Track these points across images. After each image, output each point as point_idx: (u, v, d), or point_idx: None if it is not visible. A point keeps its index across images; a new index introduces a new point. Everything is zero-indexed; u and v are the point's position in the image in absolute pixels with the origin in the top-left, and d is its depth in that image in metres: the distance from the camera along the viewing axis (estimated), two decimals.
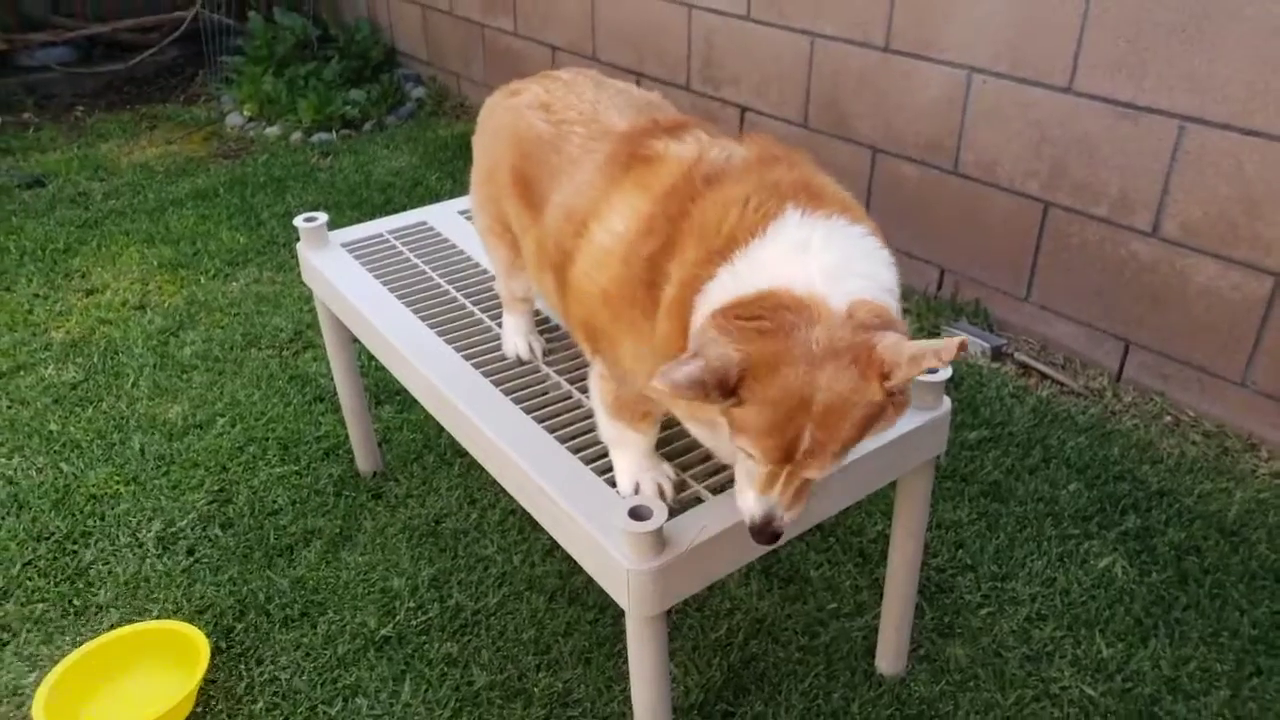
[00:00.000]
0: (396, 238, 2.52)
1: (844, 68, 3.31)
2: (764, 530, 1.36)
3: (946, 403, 1.85)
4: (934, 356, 1.19)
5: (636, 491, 1.64)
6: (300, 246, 2.47)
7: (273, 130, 5.14)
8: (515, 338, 2.06)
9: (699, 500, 1.64)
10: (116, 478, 2.79)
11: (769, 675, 2.13)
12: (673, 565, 1.51)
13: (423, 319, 2.17)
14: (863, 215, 1.40)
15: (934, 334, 3.26)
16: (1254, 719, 1.99)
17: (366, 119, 5.17)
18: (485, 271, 2.36)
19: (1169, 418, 2.86)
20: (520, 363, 2.02)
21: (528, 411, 1.86)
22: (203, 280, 3.84)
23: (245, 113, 5.27)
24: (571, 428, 1.81)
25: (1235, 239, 2.59)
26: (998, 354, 3.10)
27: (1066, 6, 2.70)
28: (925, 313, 3.38)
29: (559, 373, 1.99)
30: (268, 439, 2.91)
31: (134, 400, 3.13)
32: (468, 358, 2.03)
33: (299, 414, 3.01)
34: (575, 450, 1.74)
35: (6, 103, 5.64)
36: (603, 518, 1.57)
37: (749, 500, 1.36)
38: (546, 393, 1.93)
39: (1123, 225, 2.79)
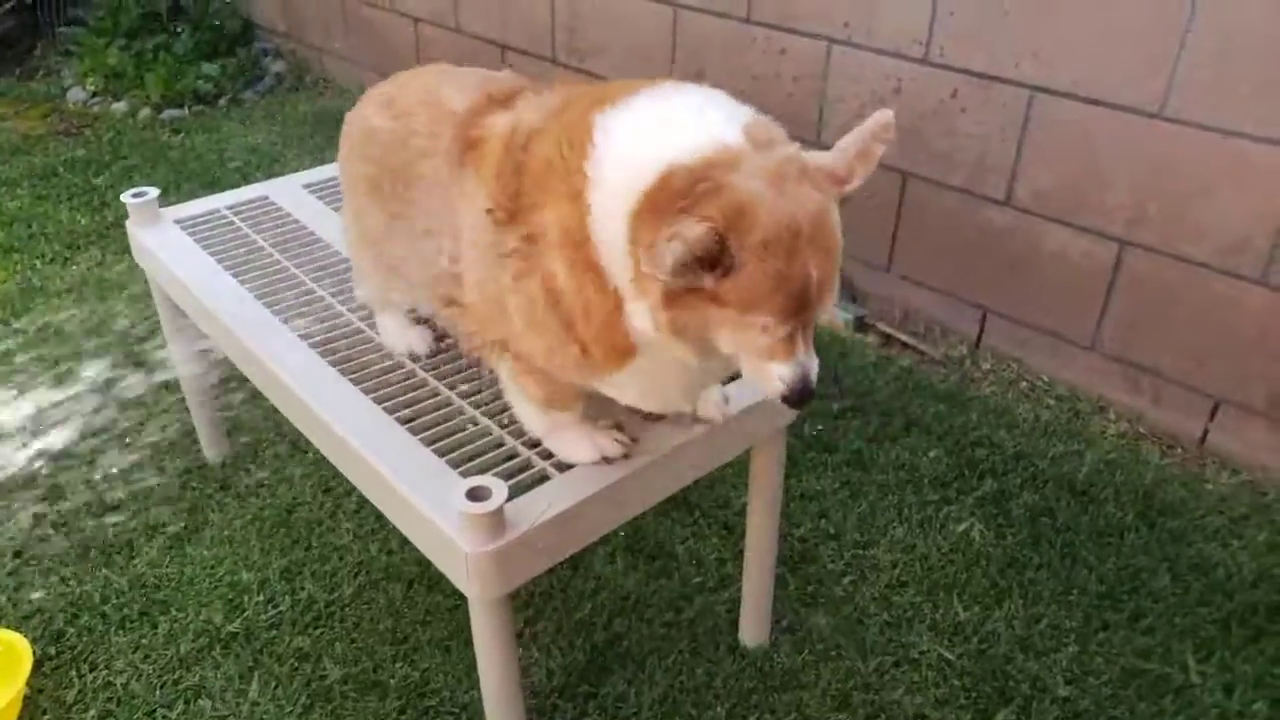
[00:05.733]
0: (236, 214, 2.38)
1: (707, 40, 3.29)
2: (805, 392, 1.28)
3: None
4: (876, 142, 1.27)
5: (604, 458, 1.57)
6: (130, 224, 2.30)
7: (119, 106, 4.83)
8: (405, 336, 1.90)
9: (545, 478, 1.58)
10: None
11: (633, 653, 2.10)
12: (514, 547, 1.45)
13: (260, 299, 2.04)
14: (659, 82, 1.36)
15: None
16: (1100, 672, 2.05)
17: (221, 94, 4.91)
18: (331, 249, 2.25)
19: (1025, 383, 2.94)
20: (414, 359, 1.87)
21: (366, 392, 1.76)
22: (39, 265, 3.58)
23: (88, 87, 4.94)
24: (413, 408, 1.73)
25: (1083, 206, 2.66)
26: (860, 325, 3.13)
27: None
28: None
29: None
30: (107, 431, 2.73)
31: None
32: (305, 337, 1.92)
33: (142, 403, 2.84)
34: (415, 431, 1.66)
35: None
36: (440, 499, 1.49)
37: (780, 372, 1.27)
38: (397, 378, 1.84)
39: (978, 194, 2.84)
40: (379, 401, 1.74)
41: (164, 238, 2.26)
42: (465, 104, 1.55)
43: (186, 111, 4.81)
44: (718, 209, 1.16)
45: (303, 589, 2.25)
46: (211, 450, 2.61)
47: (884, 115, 1.29)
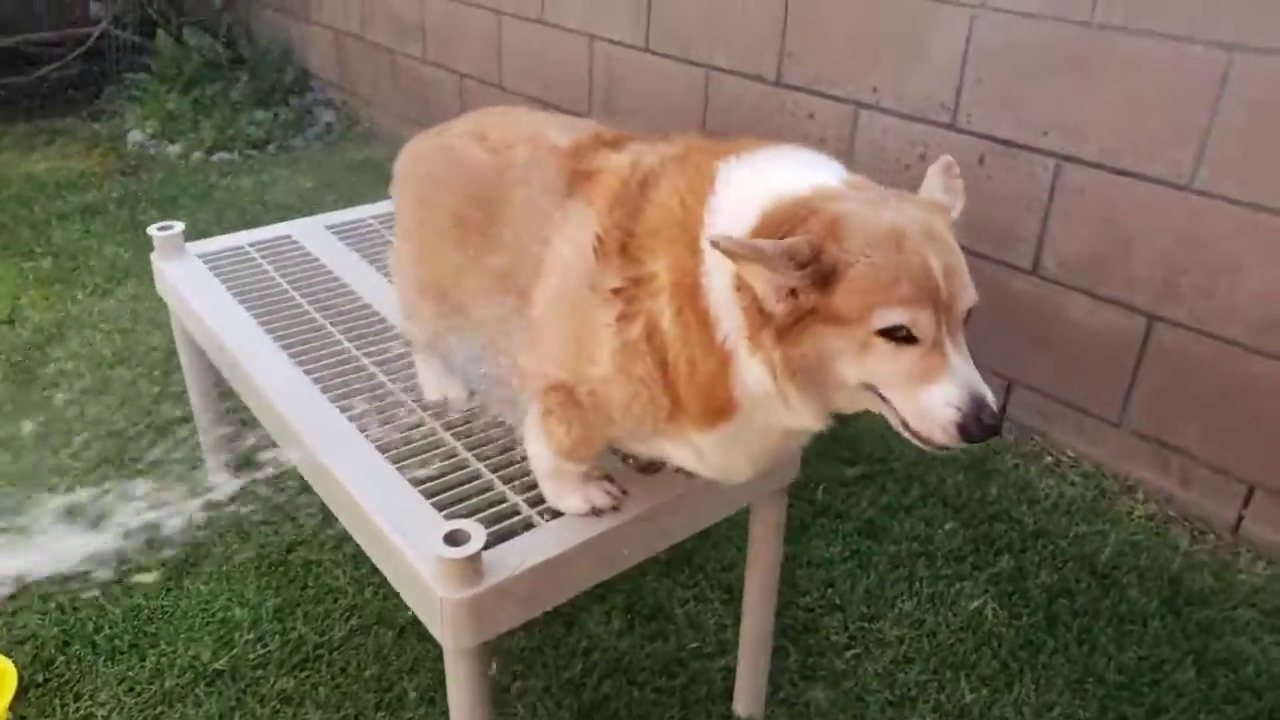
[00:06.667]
0: (258, 250, 2.41)
1: (738, 101, 3.31)
2: (983, 413, 1.12)
3: None
4: (951, 178, 1.31)
5: (593, 510, 1.53)
6: (154, 256, 2.35)
7: (174, 148, 5.00)
8: (441, 383, 1.87)
9: (530, 526, 1.55)
10: None
11: (620, 717, 2.03)
12: (491, 595, 1.41)
13: (268, 332, 2.05)
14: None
15: None
16: None
17: (271, 140, 5.05)
18: (346, 289, 2.26)
19: (1049, 458, 2.84)
20: (449, 408, 1.85)
21: (362, 429, 1.75)
22: (80, 296, 3.67)
23: (146, 130, 5.12)
24: (406, 447, 1.71)
25: (1110, 278, 2.60)
26: None
27: (948, 43, 2.71)
28: None
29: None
30: (124, 460, 2.75)
31: None
32: (309, 372, 1.92)
33: (161, 434, 2.86)
34: (405, 470, 1.64)
35: None
36: (418, 540, 1.46)
37: (944, 395, 1.13)
38: (395, 415, 1.83)
39: (1004, 262, 2.80)
40: (374, 440, 1.72)
41: (186, 270, 2.29)
42: (569, 141, 1.55)
43: (237, 155, 4.95)
44: (816, 223, 1.17)
45: (294, 629, 2.22)
46: (220, 483, 2.61)
47: (941, 160, 1.33)
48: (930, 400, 1.15)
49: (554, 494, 1.56)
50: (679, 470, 1.57)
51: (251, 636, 2.20)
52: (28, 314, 3.53)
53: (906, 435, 1.21)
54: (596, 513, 1.54)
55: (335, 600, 2.30)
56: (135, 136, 5.15)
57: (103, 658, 2.15)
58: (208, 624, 2.24)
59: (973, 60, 2.67)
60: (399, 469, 1.65)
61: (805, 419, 1.29)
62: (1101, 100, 2.48)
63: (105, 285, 3.74)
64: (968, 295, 1.18)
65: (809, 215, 1.18)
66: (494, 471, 1.66)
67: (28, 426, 2.89)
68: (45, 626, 2.22)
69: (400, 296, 1.93)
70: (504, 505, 1.59)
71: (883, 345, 1.15)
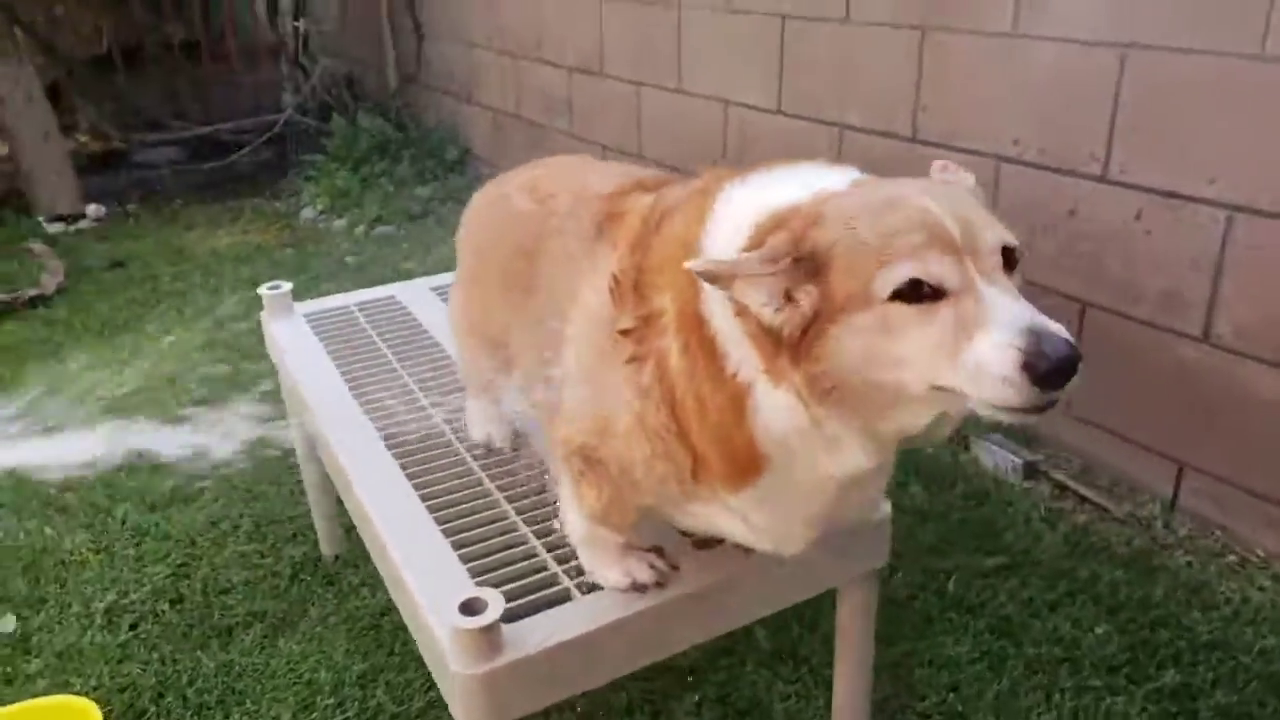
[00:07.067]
0: (361, 311, 2.43)
1: (870, 160, 3.13)
2: (1050, 344, 0.92)
3: (886, 507, 1.57)
4: (952, 170, 1.21)
5: (634, 585, 1.40)
6: (263, 315, 2.40)
7: (339, 223, 5.30)
8: (487, 425, 1.84)
9: (566, 598, 1.41)
10: (89, 545, 2.73)
11: None
12: (506, 672, 1.28)
13: (353, 390, 2.04)
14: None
15: (962, 448, 2.93)
16: None
17: (429, 214, 5.27)
18: (438, 348, 2.24)
19: (1233, 556, 2.43)
20: (491, 451, 1.81)
21: (419, 487, 1.68)
22: (236, 358, 3.87)
23: (318, 206, 5.46)
24: (456, 508, 1.62)
25: None
26: (1030, 471, 2.74)
27: (1095, 88, 2.45)
28: None
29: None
30: (243, 515, 2.82)
31: (135, 470, 3.10)
32: (380, 429, 1.87)
33: (284, 492, 2.92)
34: (450, 533, 1.55)
35: (117, 195, 5.98)
36: (439, 605, 1.35)
37: (994, 339, 0.93)
38: (455, 474, 1.75)
39: (1169, 328, 2.45)
40: (426, 499, 1.65)
41: (291, 329, 2.33)
42: (609, 188, 1.49)
43: (397, 229, 5.18)
44: (799, 220, 1.08)
45: (373, 697, 2.15)
46: (326, 544, 2.61)
47: (934, 165, 1.24)
48: (979, 354, 0.95)
49: (591, 565, 1.42)
50: (737, 545, 1.41)
51: (332, 701, 2.14)
52: (190, 374, 3.75)
53: (998, 416, 0.98)
54: (638, 588, 1.39)
55: (418, 669, 2.22)
56: (307, 213, 5.51)
57: (191, 712, 2.15)
58: (293, 685, 2.20)
59: (1125, 105, 2.40)
60: (442, 528, 1.56)
61: (854, 456, 1.11)
62: (1278, 142, 2.15)
63: (261, 348, 3.91)
64: (993, 234, 1.02)
65: (793, 216, 1.07)
66: (540, 538, 1.54)
67: (169, 481, 3.03)
68: (145, 676, 2.25)
69: (455, 341, 1.90)
70: (543, 574, 1.46)
71: (905, 315, 0.98)
